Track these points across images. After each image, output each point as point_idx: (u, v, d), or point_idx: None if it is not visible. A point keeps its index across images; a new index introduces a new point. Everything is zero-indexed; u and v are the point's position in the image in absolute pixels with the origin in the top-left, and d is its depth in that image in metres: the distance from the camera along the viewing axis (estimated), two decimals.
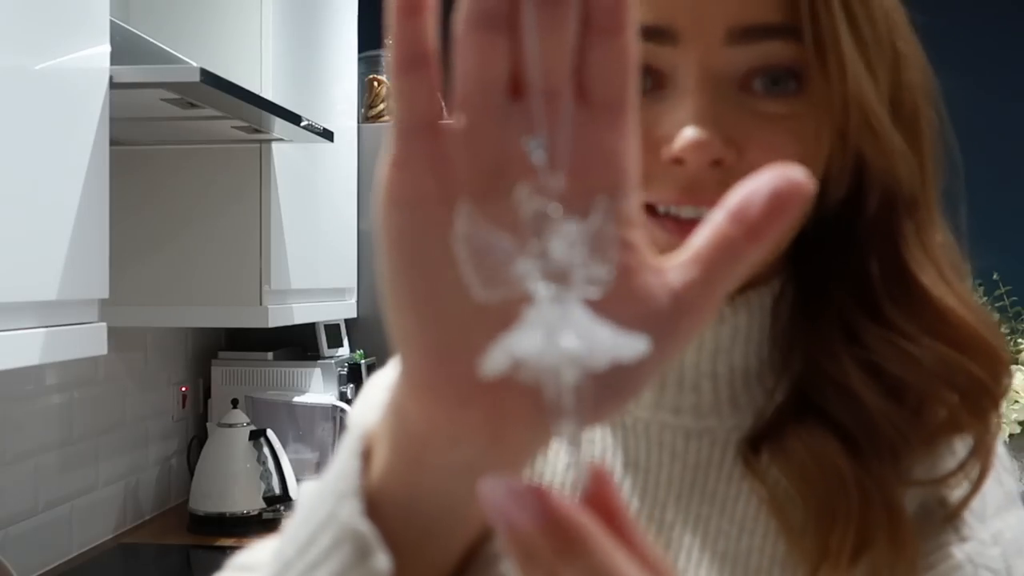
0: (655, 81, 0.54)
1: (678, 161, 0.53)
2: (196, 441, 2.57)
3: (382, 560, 0.38)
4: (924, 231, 0.58)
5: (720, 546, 0.62)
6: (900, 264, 0.57)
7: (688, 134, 0.52)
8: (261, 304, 2.12)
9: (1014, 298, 2.49)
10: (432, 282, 0.33)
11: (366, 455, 0.40)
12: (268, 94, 2.07)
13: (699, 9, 0.53)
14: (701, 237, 0.33)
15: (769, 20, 0.53)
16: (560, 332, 0.29)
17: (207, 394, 2.70)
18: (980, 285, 2.50)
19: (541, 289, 0.30)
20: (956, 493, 0.61)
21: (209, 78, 1.58)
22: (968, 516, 0.62)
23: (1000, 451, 0.67)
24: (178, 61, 1.73)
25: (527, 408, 0.33)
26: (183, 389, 2.61)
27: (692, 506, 0.63)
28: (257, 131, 2.01)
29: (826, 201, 0.57)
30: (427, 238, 0.33)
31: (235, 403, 2.50)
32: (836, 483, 0.58)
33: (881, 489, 0.58)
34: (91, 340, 1.41)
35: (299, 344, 2.78)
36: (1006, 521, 0.64)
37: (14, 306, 1.25)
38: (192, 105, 1.73)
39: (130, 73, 1.53)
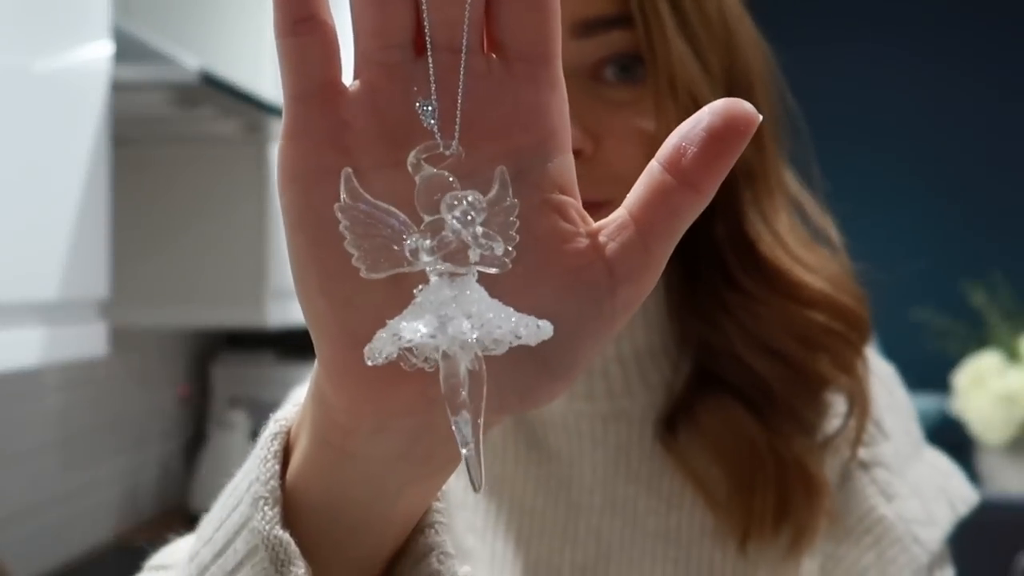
0: None
1: None
2: (196, 441, 2.57)
3: (300, 570, 0.35)
4: (762, 200, 0.61)
5: (651, 524, 0.63)
6: (741, 232, 0.60)
7: None
8: (261, 304, 2.12)
9: (1015, 298, 2.49)
10: (340, 261, 0.30)
11: (285, 451, 0.37)
12: (268, 94, 2.06)
13: None
14: (635, 192, 0.30)
15: (607, 12, 0.56)
16: (450, 315, 0.27)
17: (207, 394, 2.69)
18: (980, 285, 2.50)
19: (432, 267, 0.28)
20: (863, 450, 0.64)
21: (209, 78, 1.58)
22: (888, 474, 0.65)
23: (903, 398, 0.70)
24: (178, 61, 1.73)
25: None
26: (183, 389, 2.61)
27: (618, 488, 0.64)
28: (257, 131, 2.01)
29: None
30: (330, 214, 0.30)
31: (235, 403, 2.50)
32: (750, 450, 0.60)
33: (790, 448, 0.61)
34: (91, 341, 1.40)
35: (299, 344, 2.78)
36: (918, 470, 0.67)
37: (13, 306, 1.25)
38: (192, 105, 1.73)
39: (130, 73, 1.53)
